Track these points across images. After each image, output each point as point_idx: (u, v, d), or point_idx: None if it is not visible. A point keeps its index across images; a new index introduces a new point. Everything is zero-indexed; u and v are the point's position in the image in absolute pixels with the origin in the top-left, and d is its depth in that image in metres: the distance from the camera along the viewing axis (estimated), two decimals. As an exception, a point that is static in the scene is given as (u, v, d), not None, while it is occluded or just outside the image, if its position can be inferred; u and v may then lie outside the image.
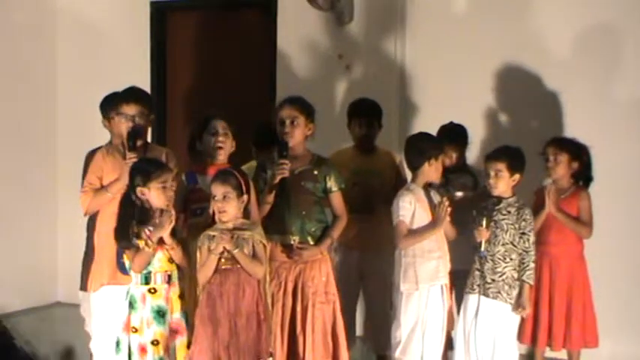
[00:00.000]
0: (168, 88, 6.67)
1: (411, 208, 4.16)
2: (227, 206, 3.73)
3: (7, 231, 6.43)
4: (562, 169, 4.57)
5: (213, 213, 3.80)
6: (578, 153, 4.60)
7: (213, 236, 3.73)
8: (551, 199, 4.49)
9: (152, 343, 3.77)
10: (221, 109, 4.47)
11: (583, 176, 4.65)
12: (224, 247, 3.68)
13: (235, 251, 3.68)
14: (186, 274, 3.89)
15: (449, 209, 4.13)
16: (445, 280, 4.21)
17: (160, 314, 3.78)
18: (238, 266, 3.72)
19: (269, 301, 3.89)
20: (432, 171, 4.23)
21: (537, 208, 4.54)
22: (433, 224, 4.15)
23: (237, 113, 5.97)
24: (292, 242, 4.06)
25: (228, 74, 6.35)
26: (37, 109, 6.73)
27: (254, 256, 3.74)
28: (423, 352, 4.18)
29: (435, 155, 4.22)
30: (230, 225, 3.75)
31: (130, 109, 4.18)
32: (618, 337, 4.97)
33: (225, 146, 4.22)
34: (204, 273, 3.74)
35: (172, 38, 6.65)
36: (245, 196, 3.77)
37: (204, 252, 3.75)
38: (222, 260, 3.72)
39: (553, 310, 4.53)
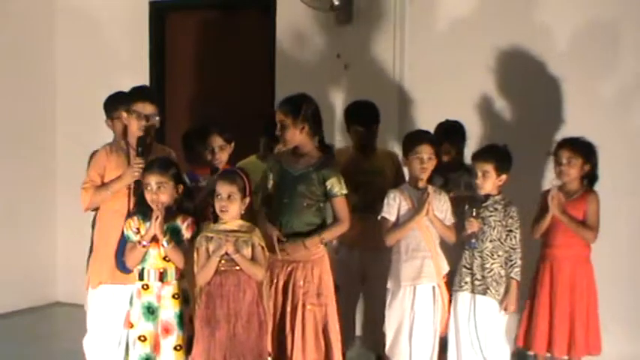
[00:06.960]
0: (168, 88, 6.67)
1: (394, 204, 4.21)
2: (230, 206, 3.72)
3: (6, 231, 6.44)
4: (575, 172, 4.45)
5: (212, 209, 3.81)
6: (590, 155, 4.48)
7: (211, 238, 3.73)
8: (554, 203, 4.40)
9: (139, 338, 3.77)
10: (217, 117, 4.52)
11: (590, 176, 4.53)
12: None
13: (236, 255, 3.68)
14: (186, 273, 3.86)
15: (430, 201, 4.12)
16: (434, 281, 4.19)
17: (150, 311, 3.77)
18: (238, 268, 3.71)
19: (268, 303, 3.88)
20: (411, 168, 4.25)
21: (543, 209, 4.48)
22: (412, 215, 4.16)
23: (236, 113, 6.00)
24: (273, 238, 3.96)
25: (228, 74, 6.36)
26: (36, 109, 6.74)
27: (253, 258, 3.74)
28: (412, 352, 4.17)
29: (407, 152, 4.23)
30: (228, 227, 3.75)
31: (145, 108, 4.12)
32: (620, 338, 4.96)
33: (222, 159, 4.52)
34: (205, 275, 3.73)
35: (171, 38, 6.66)
36: (247, 199, 3.78)
37: (203, 253, 3.74)
38: (222, 262, 3.71)
39: (554, 314, 4.45)
